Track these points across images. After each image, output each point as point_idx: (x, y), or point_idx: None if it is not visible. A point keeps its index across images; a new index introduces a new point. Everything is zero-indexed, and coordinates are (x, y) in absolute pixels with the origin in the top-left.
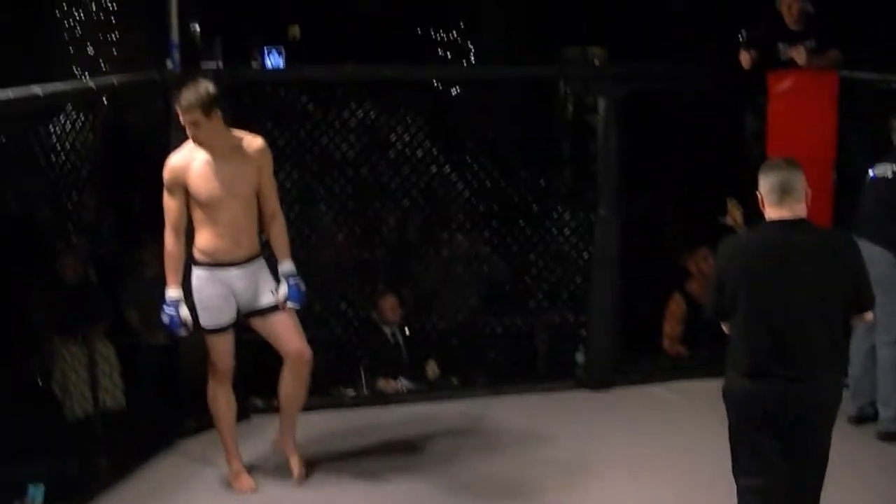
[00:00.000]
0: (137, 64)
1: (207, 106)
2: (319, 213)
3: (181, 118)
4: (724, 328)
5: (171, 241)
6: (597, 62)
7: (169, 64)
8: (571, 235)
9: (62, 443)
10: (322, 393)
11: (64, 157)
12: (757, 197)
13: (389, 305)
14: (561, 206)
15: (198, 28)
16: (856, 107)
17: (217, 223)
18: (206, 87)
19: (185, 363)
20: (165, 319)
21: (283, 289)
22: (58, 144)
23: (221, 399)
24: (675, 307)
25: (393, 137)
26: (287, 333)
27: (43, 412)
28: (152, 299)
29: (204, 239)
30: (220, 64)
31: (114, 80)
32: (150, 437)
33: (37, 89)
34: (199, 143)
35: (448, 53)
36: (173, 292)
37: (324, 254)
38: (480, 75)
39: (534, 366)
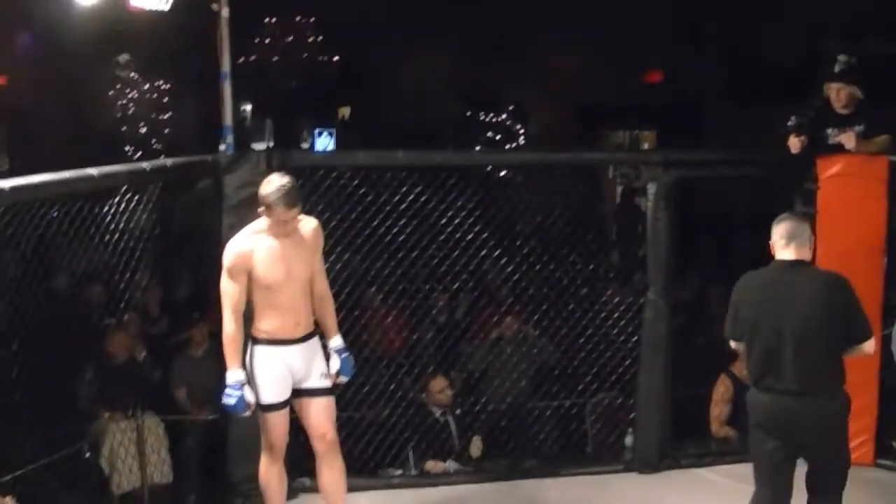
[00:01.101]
0: (189, 146)
1: None
2: (369, 295)
3: (282, 216)
4: (734, 347)
5: (231, 323)
6: (646, 146)
7: (222, 147)
8: (620, 318)
9: None
10: (369, 474)
11: (117, 237)
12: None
13: (439, 387)
14: (609, 289)
15: (249, 110)
16: None
17: (278, 305)
18: (291, 181)
19: (232, 441)
20: (230, 401)
21: (336, 363)
22: (111, 224)
23: (275, 477)
24: (722, 389)
25: (443, 220)
26: (322, 416)
27: (91, 487)
28: (200, 376)
29: (265, 319)
30: (271, 145)
31: (167, 163)
32: None
33: (92, 171)
34: (285, 235)
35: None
36: (238, 374)
37: (373, 335)
38: (531, 160)
39: (582, 448)
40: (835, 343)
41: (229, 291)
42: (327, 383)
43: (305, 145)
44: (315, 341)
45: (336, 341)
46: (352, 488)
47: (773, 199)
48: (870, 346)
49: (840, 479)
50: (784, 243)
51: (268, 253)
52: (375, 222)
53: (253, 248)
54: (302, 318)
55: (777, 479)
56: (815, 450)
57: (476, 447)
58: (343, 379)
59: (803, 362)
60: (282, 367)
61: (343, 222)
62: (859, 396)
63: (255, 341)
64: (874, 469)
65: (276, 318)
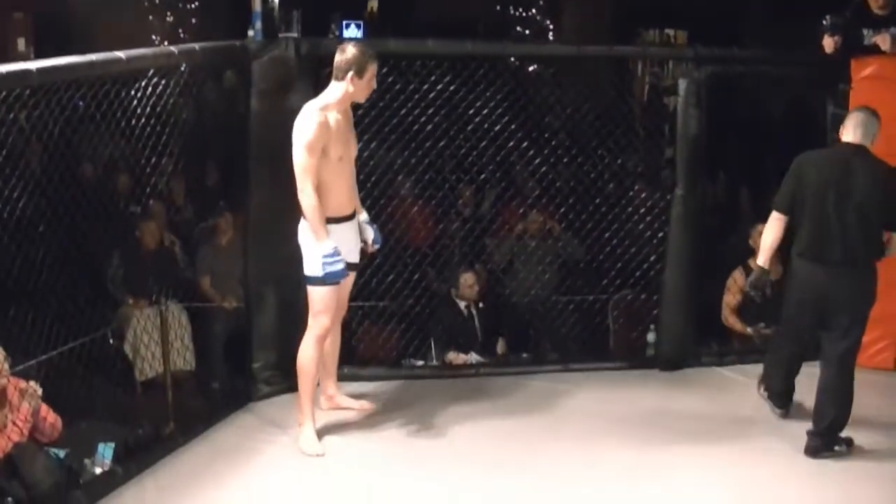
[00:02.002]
0: (217, 35)
1: None
2: (396, 185)
3: (373, 76)
4: (777, 219)
5: (313, 196)
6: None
7: (251, 33)
8: (647, 215)
9: (132, 404)
10: (392, 364)
11: (144, 122)
12: None
13: (468, 282)
14: (638, 186)
15: (277, 1)
16: None
17: (341, 181)
18: None
19: (256, 329)
20: (336, 268)
21: (370, 233)
22: (138, 110)
23: (319, 359)
24: (737, 279)
25: (471, 111)
26: (348, 289)
27: (114, 373)
28: (225, 265)
29: (327, 196)
30: (298, 34)
31: (196, 46)
32: (220, 401)
33: (120, 54)
34: (358, 100)
35: (527, 31)
36: (330, 243)
37: (399, 226)
38: (562, 53)
39: (604, 344)
40: (877, 225)
41: (311, 165)
42: (358, 258)
43: (333, 37)
44: (356, 218)
45: (364, 215)
46: (374, 377)
47: (805, 100)
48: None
49: (853, 351)
50: (852, 129)
51: (337, 126)
52: (403, 111)
53: (328, 121)
54: (354, 194)
55: (802, 338)
56: (841, 316)
57: (500, 348)
58: (377, 247)
59: (850, 238)
60: (340, 244)
61: (371, 110)
62: (884, 303)
63: None
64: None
65: (337, 195)
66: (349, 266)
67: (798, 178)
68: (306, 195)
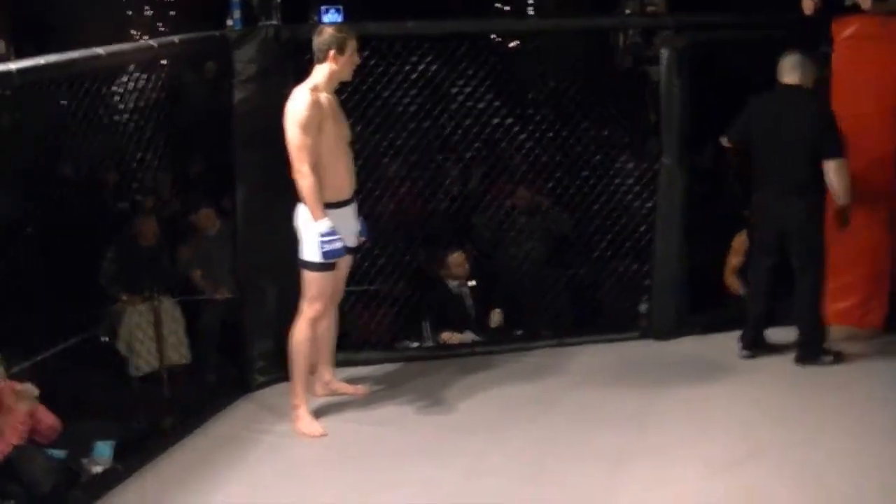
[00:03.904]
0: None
1: None
2: (382, 167)
3: (354, 50)
4: (724, 144)
5: (310, 176)
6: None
7: (229, 22)
8: (635, 185)
9: (128, 400)
10: (386, 346)
11: (127, 118)
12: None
13: (457, 261)
14: (624, 156)
15: None
16: None
17: (338, 163)
18: None
19: (250, 319)
20: (334, 246)
21: (358, 225)
22: (121, 105)
23: (312, 341)
24: (741, 241)
25: (454, 90)
26: (345, 273)
27: (109, 370)
28: (215, 256)
29: (325, 179)
30: (278, 22)
31: (175, 39)
32: (217, 392)
33: (100, 50)
34: (345, 79)
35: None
36: (328, 222)
37: (388, 208)
38: (542, 27)
39: (597, 316)
40: (812, 155)
41: (307, 144)
42: (354, 243)
43: (313, 22)
44: (355, 203)
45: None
46: (369, 361)
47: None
48: (832, 166)
49: (816, 268)
50: (790, 70)
51: (329, 106)
52: (387, 93)
53: (320, 100)
54: (352, 177)
55: (769, 253)
56: (795, 237)
57: (496, 319)
58: (363, 239)
59: (789, 167)
60: (340, 229)
61: (354, 94)
62: (873, 262)
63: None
64: (888, 334)
65: (336, 176)
66: (347, 250)
67: (748, 116)
68: (303, 175)
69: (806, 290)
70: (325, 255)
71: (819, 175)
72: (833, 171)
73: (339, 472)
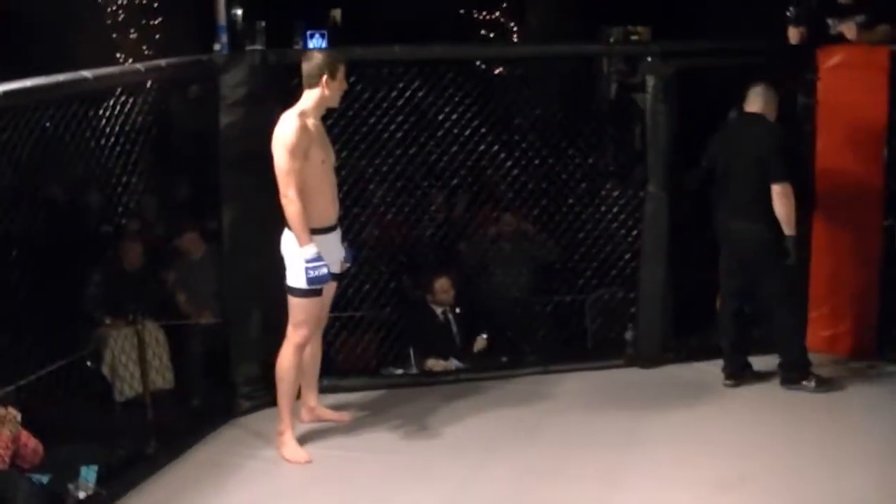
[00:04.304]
0: (181, 50)
1: None
2: (368, 193)
3: (343, 76)
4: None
5: (297, 201)
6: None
7: (216, 47)
8: (620, 213)
9: (113, 425)
10: (371, 373)
11: (113, 141)
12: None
13: (443, 287)
14: (609, 184)
15: (240, 13)
16: None
17: (325, 188)
18: None
19: (235, 343)
20: (320, 272)
21: (341, 251)
22: (107, 129)
23: (298, 367)
24: None
25: (440, 117)
26: (330, 299)
27: (94, 396)
28: (200, 280)
29: (311, 204)
30: (263, 46)
31: (162, 63)
32: (201, 419)
33: (87, 73)
34: (333, 105)
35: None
36: (313, 248)
37: (373, 234)
38: (528, 54)
39: (583, 344)
40: (760, 179)
41: (294, 169)
42: (339, 269)
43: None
44: (339, 230)
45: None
46: (354, 388)
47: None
48: (776, 190)
49: (785, 295)
50: (751, 99)
51: (317, 132)
52: (372, 119)
53: (307, 125)
54: (337, 203)
55: (731, 281)
56: (753, 265)
57: (480, 344)
58: (347, 266)
59: (740, 191)
60: (325, 254)
61: (340, 119)
62: (863, 288)
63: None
64: (879, 362)
65: (322, 202)
66: (332, 276)
67: (714, 142)
68: (290, 200)
69: (781, 317)
70: (311, 281)
71: (771, 202)
72: (777, 196)
73: (324, 499)
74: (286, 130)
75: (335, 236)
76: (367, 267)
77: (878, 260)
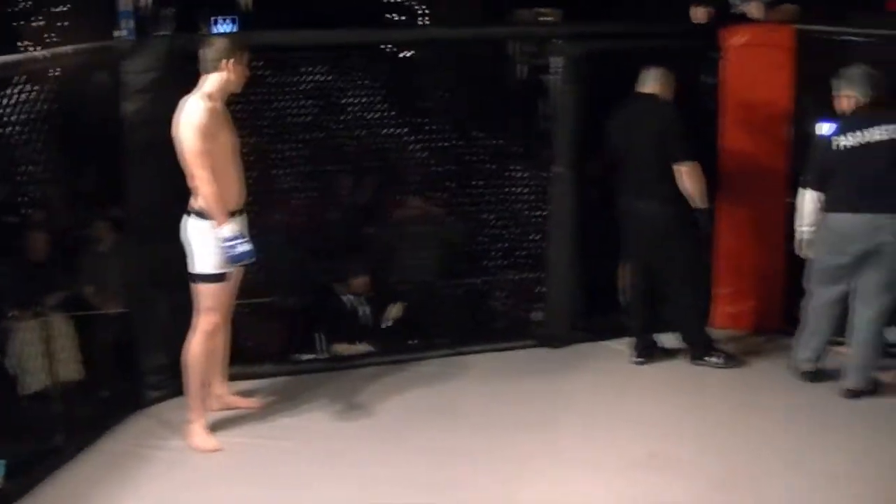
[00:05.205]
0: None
1: None
2: (275, 178)
3: (245, 61)
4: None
5: (212, 183)
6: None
7: (122, 33)
8: (528, 194)
9: (19, 418)
10: (279, 359)
11: (16, 130)
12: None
13: (361, 285)
14: (516, 166)
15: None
16: (811, 60)
17: (231, 170)
18: None
19: (142, 333)
20: (243, 248)
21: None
22: (9, 117)
23: (206, 355)
24: None
25: (347, 101)
26: (235, 286)
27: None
28: (107, 271)
29: (221, 187)
30: (171, 32)
31: (65, 50)
32: (109, 410)
33: None
34: (236, 90)
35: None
36: (233, 227)
37: (280, 219)
38: (434, 37)
39: (492, 325)
40: (662, 161)
41: (205, 150)
42: None
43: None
44: (245, 215)
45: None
46: (263, 375)
47: (679, 70)
48: (682, 171)
49: (686, 274)
50: (646, 81)
51: (223, 115)
52: (279, 104)
53: (214, 107)
54: (243, 189)
55: (637, 260)
56: (657, 245)
57: (396, 311)
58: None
59: (643, 173)
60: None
61: (247, 105)
62: (767, 264)
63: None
64: (783, 337)
65: (230, 186)
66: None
67: (609, 125)
68: (205, 181)
69: (682, 296)
70: (232, 259)
71: (674, 182)
72: (685, 175)
73: (234, 487)
74: (193, 112)
75: (241, 221)
76: (275, 253)
77: (782, 237)
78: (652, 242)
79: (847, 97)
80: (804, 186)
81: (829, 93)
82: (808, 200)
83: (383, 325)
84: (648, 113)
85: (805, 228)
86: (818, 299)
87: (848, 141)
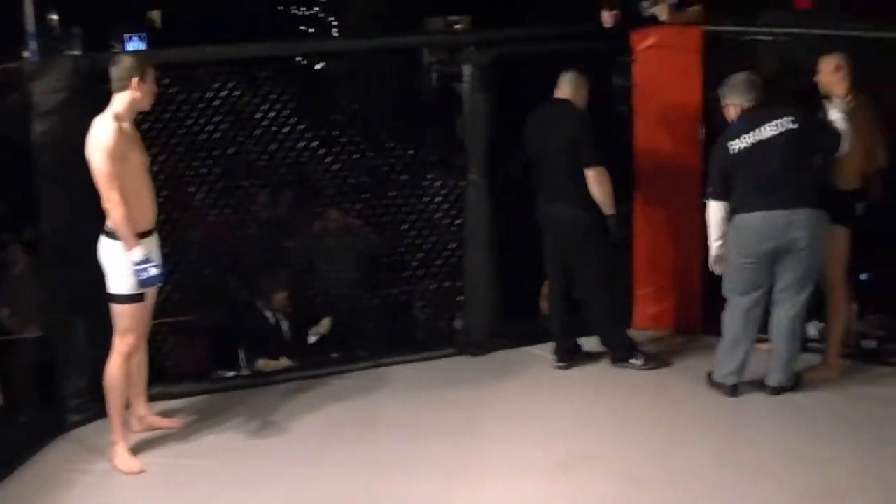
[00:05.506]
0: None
1: None
2: (188, 196)
3: (153, 78)
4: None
5: (121, 205)
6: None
7: (26, 53)
8: (443, 203)
9: None
10: (201, 377)
11: None
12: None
13: (281, 300)
14: (431, 175)
15: (56, 18)
16: (720, 60)
17: (143, 189)
18: None
19: (62, 357)
20: (152, 272)
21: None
22: None
23: (126, 375)
24: None
25: (259, 115)
26: (151, 305)
27: None
28: (23, 294)
29: (133, 207)
30: (80, 52)
31: None
32: (30, 435)
33: None
34: (144, 108)
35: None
36: (142, 249)
37: (195, 236)
38: (344, 48)
39: (413, 336)
40: (571, 164)
41: (115, 172)
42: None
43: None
44: (157, 234)
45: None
46: (185, 393)
47: (594, 74)
48: (591, 175)
49: (599, 278)
50: (561, 85)
51: (132, 134)
52: (189, 121)
53: (123, 128)
54: (155, 207)
55: (556, 265)
56: (571, 248)
57: (325, 326)
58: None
59: (553, 176)
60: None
61: (156, 123)
62: (684, 264)
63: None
64: (702, 336)
65: (142, 206)
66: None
67: (525, 130)
68: (114, 203)
69: (600, 299)
70: (142, 283)
71: (585, 186)
72: (592, 180)
73: None
74: (102, 134)
75: (154, 240)
76: (192, 270)
77: (699, 237)
78: (568, 246)
79: (733, 105)
80: (708, 199)
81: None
82: (713, 212)
83: (311, 340)
84: (560, 118)
85: (715, 243)
86: (736, 308)
87: (742, 143)
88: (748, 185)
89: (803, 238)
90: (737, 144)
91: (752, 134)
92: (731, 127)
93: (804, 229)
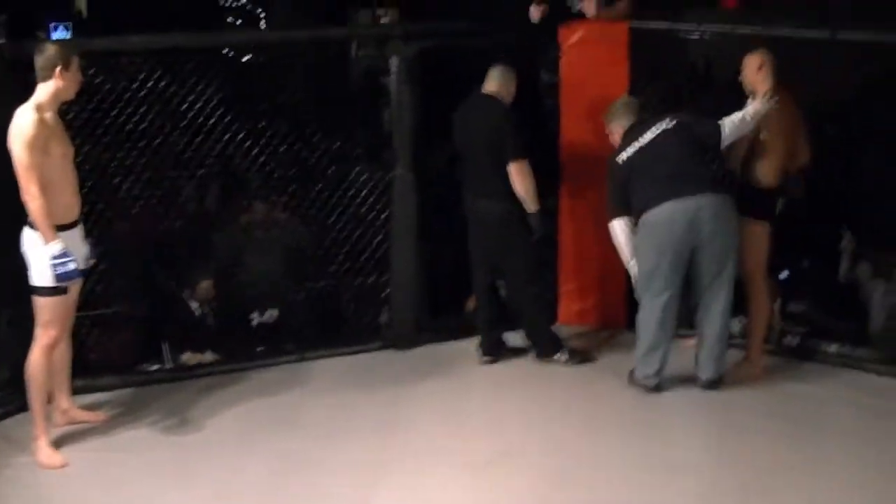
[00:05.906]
0: None
1: None
2: (114, 187)
3: (77, 67)
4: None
5: (40, 197)
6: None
7: None
8: (370, 196)
9: None
10: (124, 370)
11: None
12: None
13: (206, 289)
14: (358, 168)
15: None
16: (646, 55)
17: (65, 181)
18: None
19: None
20: (68, 267)
21: (86, 247)
22: None
23: (48, 369)
24: None
25: (185, 106)
26: (75, 297)
27: None
28: None
29: (53, 201)
30: (4, 40)
31: None
32: None
33: None
34: (68, 97)
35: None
36: (60, 243)
37: (121, 228)
38: (271, 40)
39: (340, 329)
40: (496, 158)
41: (35, 163)
42: (84, 265)
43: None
44: (81, 225)
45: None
46: (108, 387)
47: (522, 69)
48: (513, 168)
49: (524, 282)
50: (488, 80)
51: (54, 125)
52: (115, 111)
53: (45, 118)
54: (78, 198)
55: (482, 259)
56: (497, 243)
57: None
58: (93, 261)
59: (478, 171)
60: (70, 250)
61: (81, 113)
62: (608, 260)
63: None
64: (625, 331)
65: (63, 197)
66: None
67: (453, 123)
68: (32, 196)
69: (524, 294)
70: (59, 277)
71: (506, 177)
72: (514, 174)
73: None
74: (23, 125)
75: (78, 232)
76: (118, 262)
77: None
78: (494, 240)
79: (616, 131)
80: (611, 218)
81: (666, 87)
82: (619, 231)
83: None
84: (484, 111)
85: (631, 261)
86: (650, 310)
87: (627, 153)
88: (646, 184)
89: (709, 221)
90: (623, 155)
91: (635, 144)
92: (617, 149)
93: (713, 214)
